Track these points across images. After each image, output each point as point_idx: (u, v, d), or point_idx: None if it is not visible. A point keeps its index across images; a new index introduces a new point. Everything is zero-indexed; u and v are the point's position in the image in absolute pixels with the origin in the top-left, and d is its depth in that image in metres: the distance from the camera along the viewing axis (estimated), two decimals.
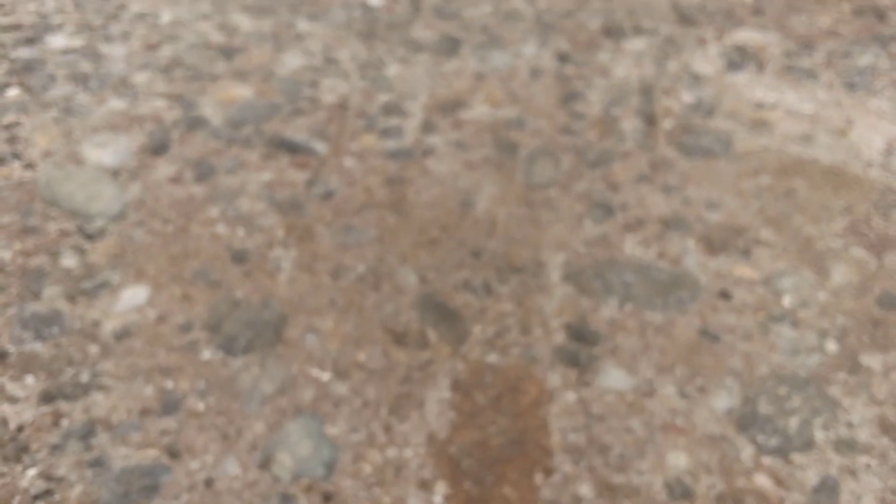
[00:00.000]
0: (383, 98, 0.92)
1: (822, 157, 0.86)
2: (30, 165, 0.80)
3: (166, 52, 0.97)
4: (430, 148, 0.86)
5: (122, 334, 0.64)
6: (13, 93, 0.89)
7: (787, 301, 0.70)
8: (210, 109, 0.88)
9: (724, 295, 0.70)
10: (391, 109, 0.90)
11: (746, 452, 0.58)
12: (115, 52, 0.96)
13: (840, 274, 0.72)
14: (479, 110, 0.91)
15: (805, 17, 1.07)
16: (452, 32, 1.04)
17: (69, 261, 0.70)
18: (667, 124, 0.89)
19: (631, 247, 0.75)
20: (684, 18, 1.05)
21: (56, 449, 0.56)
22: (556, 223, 0.77)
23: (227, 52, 0.98)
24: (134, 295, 0.67)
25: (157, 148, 0.83)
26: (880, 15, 1.07)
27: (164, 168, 0.81)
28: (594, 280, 0.71)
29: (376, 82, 0.94)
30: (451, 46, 1.01)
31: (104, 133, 0.84)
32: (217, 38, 1.00)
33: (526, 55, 1.00)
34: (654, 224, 0.77)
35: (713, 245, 0.75)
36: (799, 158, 0.85)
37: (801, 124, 0.90)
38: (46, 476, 0.54)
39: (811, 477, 0.57)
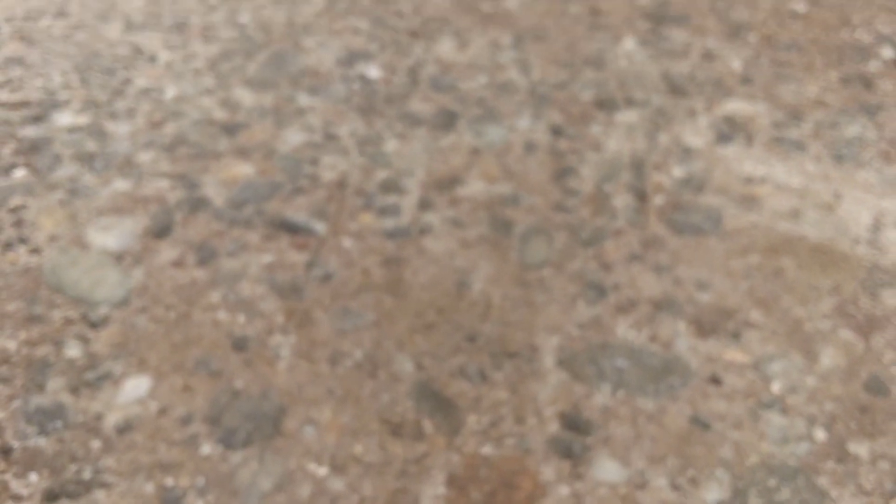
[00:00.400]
0: (381, 175, 0.94)
1: (809, 234, 0.87)
2: (35, 250, 0.82)
3: (170, 129, 1.00)
4: (427, 226, 0.88)
5: (124, 428, 0.65)
6: (20, 174, 0.91)
7: (776, 387, 0.71)
8: (212, 189, 0.91)
9: (715, 380, 0.71)
10: (389, 187, 0.93)
11: None
12: (120, 130, 0.99)
13: (828, 357, 0.74)
14: (474, 187, 0.93)
15: (793, 86, 1.10)
16: (449, 105, 1.07)
17: (73, 351, 0.72)
18: (658, 200, 0.91)
19: (623, 329, 0.76)
20: (675, 89, 1.08)
21: None
22: (549, 305, 0.79)
23: (230, 129, 1.00)
24: (136, 386, 0.69)
25: (161, 231, 0.85)
26: (867, 83, 1.10)
27: (166, 252, 0.83)
28: (587, 365, 0.72)
29: (375, 159, 0.97)
30: (447, 120, 1.04)
31: (109, 216, 0.86)
32: (220, 114, 1.03)
33: (520, 128, 1.03)
34: (645, 305, 0.79)
35: (704, 328, 0.76)
36: (787, 236, 0.87)
37: (790, 199, 0.92)
38: None
39: None
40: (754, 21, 1.26)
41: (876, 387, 0.71)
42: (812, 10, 1.29)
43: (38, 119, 1.00)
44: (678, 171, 0.95)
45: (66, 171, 0.92)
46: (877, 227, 0.89)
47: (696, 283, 0.81)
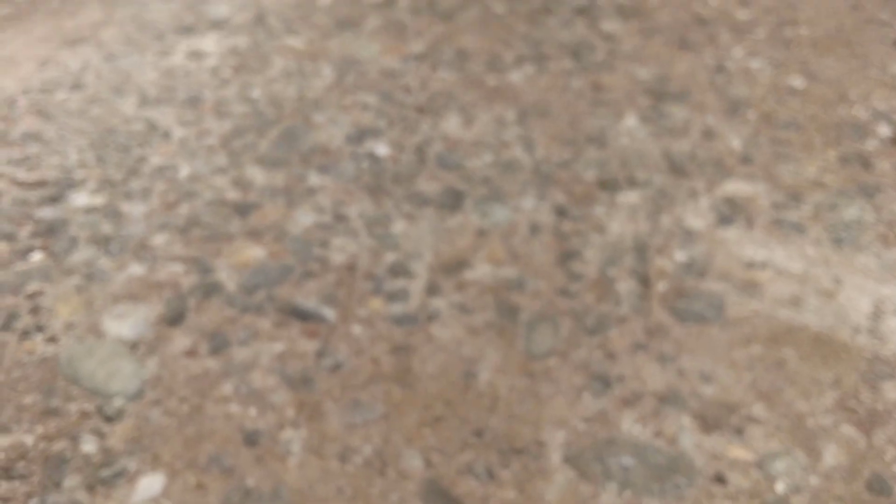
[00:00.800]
0: (390, 258, 0.96)
1: (811, 323, 0.89)
2: (52, 339, 0.83)
3: (184, 210, 1.02)
4: (435, 312, 0.90)
5: None
6: (37, 257, 0.93)
7: (780, 487, 0.72)
8: (225, 273, 0.93)
9: (720, 479, 0.72)
10: (397, 270, 0.95)
11: None
12: (135, 211, 1.01)
13: (831, 455, 0.75)
14: (481, 270, 0.95)
15: (792, 166, 1.12)
16: (455, 184, 1.09)
17: (89, 446, 0.73)
18: (661, 286, 0.93)
19: (629, 424, 0.77)
20: (676, 168, 1.11)
21: None
22: (555, 397, 0.80)
23: (242, 209, 1.03)
24: (150, 485, 0.70)
25: (174, 318, 0.87)
26: (865, 163, 1.12)
27: (180, 340, 0.84)
28: (594, 463, 0.74)
29: (383, 240, 0.99)
30: (454, 200, 1.06)
31: (124, 303, 0.88)
32: (232, 194, 1.05)
33: (525, 209, 1.05)
34: (650, 398, 0.80)
35: (708, 422, 0.78)
36: (789, 325, 0.89)
37: (791, 285, 0.94)
38: None
39: None
40: (753, 97, 1.29)
41: (878, 486, 0.72)
42: (810, 86, 1.33)
43: (54, 200, 1.03)
44: (680, 255, 0.97)
45: (82, 254, 0.94)
46: (877, 314, 0.90)
47: (699, 375, 0.83)
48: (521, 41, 1.50)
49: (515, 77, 1.37)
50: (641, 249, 0.98)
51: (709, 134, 1.20)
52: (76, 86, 1.31)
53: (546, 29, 1.55)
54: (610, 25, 1.55)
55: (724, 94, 1.31)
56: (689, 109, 1.26)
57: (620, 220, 1.03)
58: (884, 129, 1.21)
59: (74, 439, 0.74)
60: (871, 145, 1.18)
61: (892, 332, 0.88)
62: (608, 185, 1.09)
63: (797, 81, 1.34)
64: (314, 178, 1.10)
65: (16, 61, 1.44)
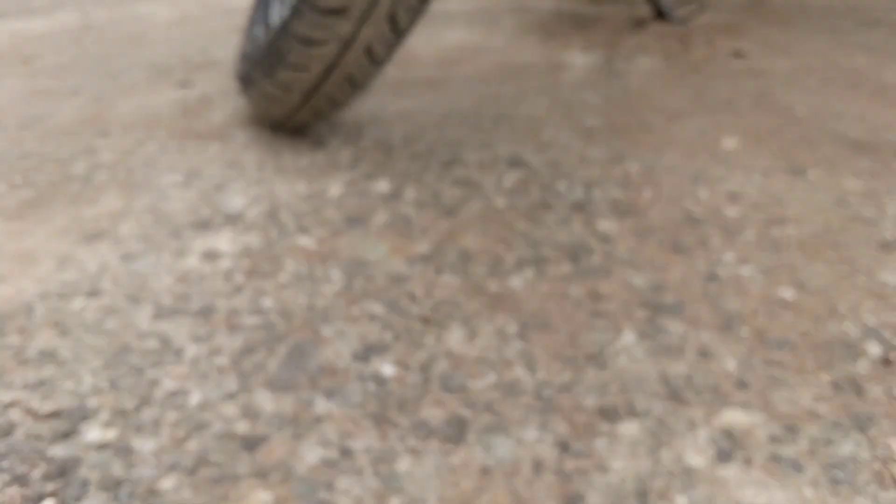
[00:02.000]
0: (395, 502, 0.97)
1: None
2: None
3: (193, 445, 1.04)
4: None
5: None
6: None
7: None
8: None
9: None
10: None
11: None
12: (146, 448, 1.03)
13: None
14: None
15: (787, 393, 1.16)
16: (459, 410, 1.12)
17: None
18: None
19: None
20: (674, 395, 1.14)
21: None
22: None
23: (250, 444, 1.05)
24: None
25: None
26: (858, 390, 1.16)
27: None
28: None
29: (388, 482, 1.00)
30: (458, 431, 1.08)
31: None
32: (241, 426, 1.08)
33: (528, 440, 1.07)
34: None
35: None
36: None
37: None
38: None
39: None
40: (745, 311, 1.34)
41: None
42: (799, 298, 1.38)
43: (67, 435, 1.05)
44: (681, 500, 0.99)
45: (92, 501, 0.95)
46: None
47: None
48: (522, 240, 1.58)
49: (516, 282, 1.43)
50: (643, 494, 1.00)
51: (704, 353, 1.24)
52: (93, 292, 1.37)
53: (545, 227, 1.62)
54: (606, 224, 1.63)
55: (717, 306, 1.36)
56: (684, 325, 1.31)
57: (622, 455, 1.05)
58: (874, 349, 1.25)
59: None
60: (862, 367, 1.22)
61: None
62: (609, 415, 1.12)
63: (787, 293, 1.39)
64: (321, 405, 1.13)
65: (35, 258, 1.50)
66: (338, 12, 1.50)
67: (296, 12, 1.60)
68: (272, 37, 1.75)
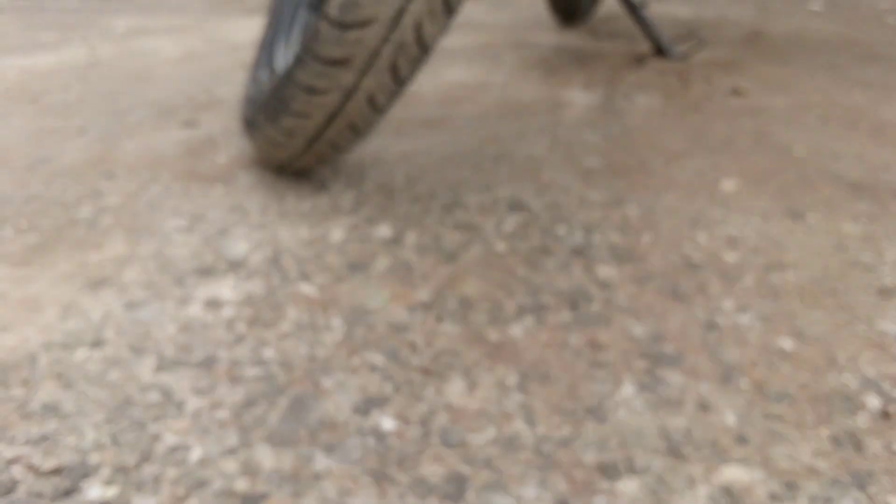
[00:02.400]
0: None
1: None
2: None
3: None
4: None
5: None
6: None
7: None
8: None
9: None
10: None
11: None
12: None
13: None
14: None
15: (786, 448, 1.16)
16: (458, 467, 1.12)
17: None
18: None
19: None
20: (673, 450, 1.14)
21: None
22: None
23: (250, 502, 1.05)
24: None
25: None
26: (857, 445, 1.16)
27: None
28: None
29: None
30: (457, 488, 1.08)
31: None
32: (241, 483, 1.08)
33: (527, 499, 1.07)
34: None
35: None
36: None
37: None
38: None
39: None
40: (744, 362, 1.35)
41: None
42: (798, 348, 1.39)
43: (68, 492, 1.05)
44: None
45: None
46: None
47: None
48: (522, 286, 1.59)
49: (516, 331, 1.44)
50: None
51: (703, 406, 1.24)
52: (96, 343, 1.38)
53: (545, 272, 1.63)
54: (605, 270, 1.64)
55: (715, 355, 1.36)
56: (683, 376, 1.31)
57: None
58: (873, 401, 1.26)
59: None
60: (861, 421, 1.22)
61: None
62: (608, 471, 1.12)
63: (787, 343, 1.40)
64: (321, 461, 1.13)
65: (40, 305, 1.51)
66: (340, 63, 1.53)
67: (299, 61, 1.63)
68: (276, 83, 1.78)
